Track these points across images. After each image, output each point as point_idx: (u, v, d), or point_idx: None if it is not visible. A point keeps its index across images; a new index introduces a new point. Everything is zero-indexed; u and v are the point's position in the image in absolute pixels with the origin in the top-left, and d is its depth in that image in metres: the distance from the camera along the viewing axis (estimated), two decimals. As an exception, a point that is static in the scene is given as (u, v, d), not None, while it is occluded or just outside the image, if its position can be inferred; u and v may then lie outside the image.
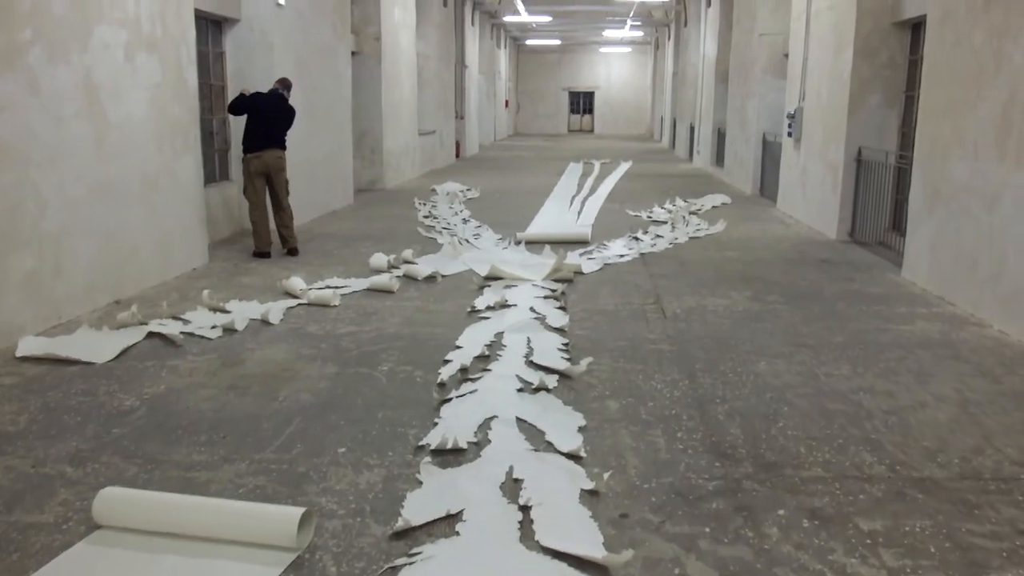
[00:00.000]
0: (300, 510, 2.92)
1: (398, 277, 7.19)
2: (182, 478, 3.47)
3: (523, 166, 20.39)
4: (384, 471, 3.52)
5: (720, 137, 17.84)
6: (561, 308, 6.19)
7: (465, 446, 3.70)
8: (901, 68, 8.91)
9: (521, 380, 4.56)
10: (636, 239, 9.32)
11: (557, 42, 40.49)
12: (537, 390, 4.41)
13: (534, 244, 8.87)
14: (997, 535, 3.02)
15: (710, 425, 4.02)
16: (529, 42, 40.65)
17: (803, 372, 4.82)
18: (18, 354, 4.99)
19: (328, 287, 6.85)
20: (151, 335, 5.49)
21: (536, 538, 2.94)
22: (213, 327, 5.66)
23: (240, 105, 8.16)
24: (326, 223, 10.62)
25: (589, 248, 8.78)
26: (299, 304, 6.34)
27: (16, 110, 5.25)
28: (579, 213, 11.67)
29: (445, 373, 4.70)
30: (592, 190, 14.44)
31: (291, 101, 8.53)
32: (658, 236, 9.51)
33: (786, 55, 12.45)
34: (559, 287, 6.82)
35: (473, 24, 24.76)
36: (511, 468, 3.48)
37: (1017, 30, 5.64)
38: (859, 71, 8.99)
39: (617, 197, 13.54)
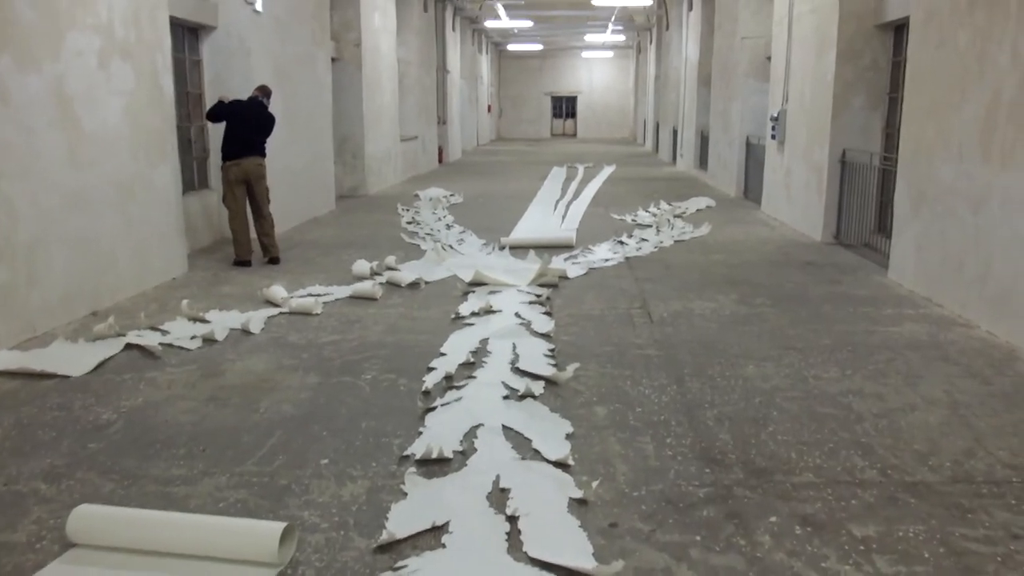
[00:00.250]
0: (281, 525, 2.83)
1: (381, 284, 7.10)
2: (160, 493, 3.38)
3: (506, 171, 20.35)
4: (368, 482, 3.43)
5: (703, 140, 17.86)
6: (546, 313, 6.12)
7: (451, 455, 3.63)
8: (884, 70, 8.91)
9: (507, 387, 4.49)
10: (621, 243, 9.28)
11: (539, 47, 40.51)
12: (523, 397, 4.34)
13: (518, 249, 8.80)
14: (991, 539, 2.98)
15: (699, 431, 3.96)
16: (511, 47, 40.65)
17: (791, 375, 4.77)
18: (-9, 369, 4.88)
19: (310, 295, 6.76)
20: (129, 347, 5.38)
21: (524, 549, 2.86)
22: (192, 338, 5.56)
23: (219, 112, 8.06)
24: (308, 230, 10.52)
25: (574, 252, 8.72)
26: (280, 313, 6.25)
27: (-14, 119, 5.15)
28: (563, 217, 11.62)
29: (429, 381, 4.62)
30: (576, 194, 14.40)
31: (271, 108, 8.44)
32: (643, 240, 9.47)
33: (769, 58, 12.46)
34: (544, 292, 6.75)
35: (454, 29, 24.72)
36: (498, 477, 3.40)
37: (1001, 32, 5.63)
38: (842, 73, 8.99)
39: (601, 201, 13.50)
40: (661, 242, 9.35)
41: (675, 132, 21.96)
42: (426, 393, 4.48)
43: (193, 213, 8.81)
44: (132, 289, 6.84)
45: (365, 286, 6.86)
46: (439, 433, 3.85)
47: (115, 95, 6.54)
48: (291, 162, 10.47)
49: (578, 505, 3.20)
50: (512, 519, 3.07)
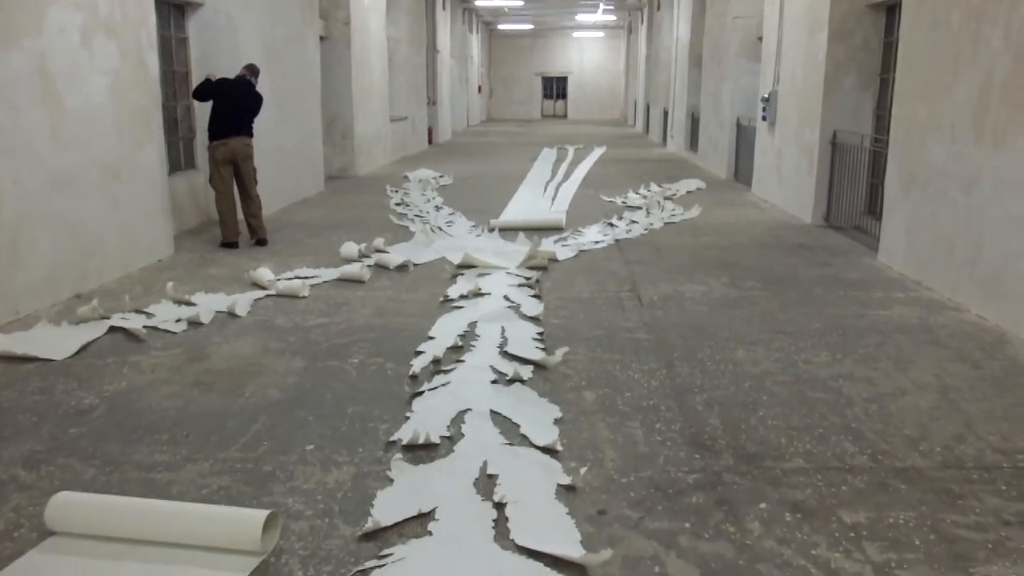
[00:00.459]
0: (265, 512, 2.79)
1: (369, 266, 7.04)
2: (142, 479, 3.33)
3: (497, 152, 20.23)
4: (354, 469, 3.39)
5: (694, 121, 17.77)
6: (536, 296, 6.08)
7: (438, 441, 3.59)
8: (876, 50, 8.85)
9: (495, 371, 4.45)
10: (611, 225, 9.22)
11: (530, 26, 40.24)
12: (512, 381, 4.30)
13: (508, 231, 8.74)
14: (982, 526, 2.96)
15: (689, 416, 3.93)
16: (502, 26, 40.37)
17: (782, 359, 4.75)
18: (-28, 352, 4.81)
19: (297, 277, 6.69)
20: (113, 330, 5.31)
21: (511, 537, 2.83)
22: (177, 320, 5.49)
23: (205, 91, 7.95)
24: (296, 212, 10.43)
25: (564, 235, 8.66)
26: (267, 295, 6.18)
27: (-34, 97, 5.05)
28: (553, 199, 11.55)
29: (417, 365, 4.57)
30: (566, 176, 14.33)
31: (258, 87, 8.33)
32: (633, 222, 9.42)
33: (760, 38, 12.37)
34: (533, 275, 6.70)
35: (444, 8, 24.49)
36: (485, 463, 3.37)
37: (994, 12, 5.58)
38: (834, 53, 8.92)
39: (591, 182, 13.43)
40: (651, 224, 9.31)
41: (666, 113, 21.86)
42: (413, 377, 4.43)
43: (180, 194, 8.71)
44: (117, 271, 6.76)
45: (353, 268, 6.79)
46: (426, 418, 3.81)
47: (99, 73, 6.43)
48: (279, 142, 10.36)
49: (566, 491, 3.17)
50: (499, 506, 3.03)
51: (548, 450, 3.51)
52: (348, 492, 3.19)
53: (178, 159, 8.99)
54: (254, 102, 8.17)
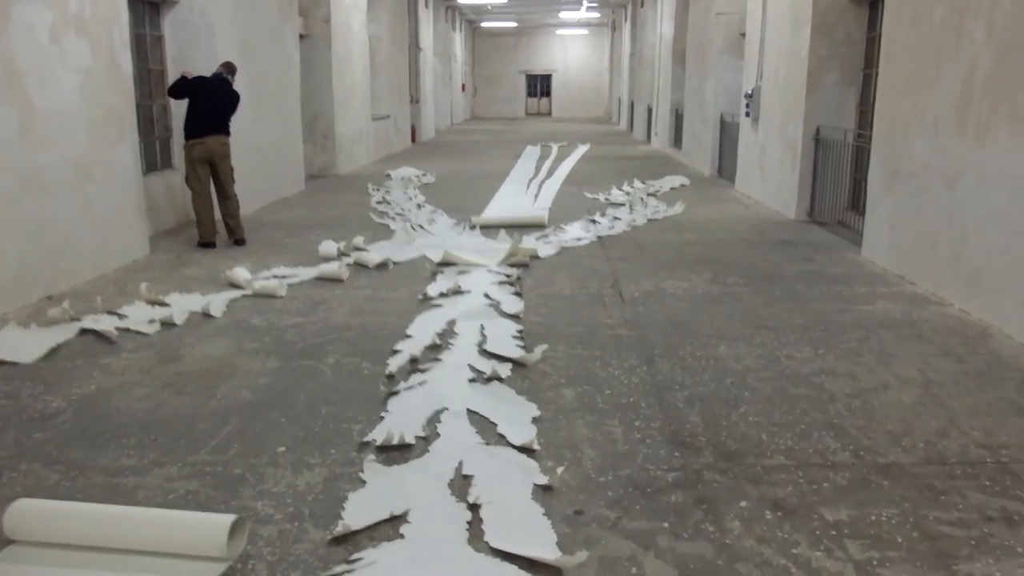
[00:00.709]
0: (231, 517, 2.70)
1: (348, 265, 6.95)
2: (108, 484, 3.23)
3: (480, 150, 20.14)
4: (326, 471, 3.31)
5: (678, 118, 17.74)
6: (516, 294, 6.00)
7: (412, 441, 3.50)
8: (859, 45, 8.82)
9: (473, 369, 4.37)
10: (594, 222, 9.15)
11: (513, 24, 40.15)
12: (490, 380, 4.22)
13: (490, 228, 8.65)
14: (965, 523, 2.90)
15: (669, 413, 3.86)
16: (485, 24, 40.27)
17: (764, 355, 4.69)
18: (-64, 355, 4.69)
19: (274, 277, 6.59)
20: (84, 332, 5.20)
21: (485, 539, 2.75)
22: (150, 322, 5.38)
23: (181, 88, 7.83)
24: (275, 211, 10.31)
25: (546, 232, 8.59)
26: (243, 295, 6.07)
27: (-71, 94, 4.92)
28: (536, 196, 11.48)
29: (394, 364, 4.48)
30: (549, 173, 14.26)
31: (236, 85, 8.22)
32: (616, 219, 9.35)
33: (743, 34, 12.34)
34: (515, 272, 6.62)
35: (427, 6, 24.38)
36: (460, 464, 3.29)
37: (977, 6, 5.54)
38: (816, 49, 8.89)
39: (575, 180, 13.37)
40: (634, 221, 9.24)
41: (650, 110, 21.83)
42: (390, 377, 4.34)
43: (156, 194, 8.58)
44: (90, 272, 6.64)
45: (331, 267, 6.69)
46: (401, 418, 3.73)
47: (70, 71, 6.30)
48: (258, 141, 10.24)
49: (543, 492, 3.10)
50: (474, 507, 2.95)
51: (525, 449, 3.43)
52: (319, 495, 3.11)
53: (154, 159, 8.86)
54: (231, 100, 8.05)
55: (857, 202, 8.29)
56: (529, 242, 7.83)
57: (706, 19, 14.48)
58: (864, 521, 2.91)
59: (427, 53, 24.38)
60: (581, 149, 19.06)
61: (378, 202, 10.84)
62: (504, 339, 4.87)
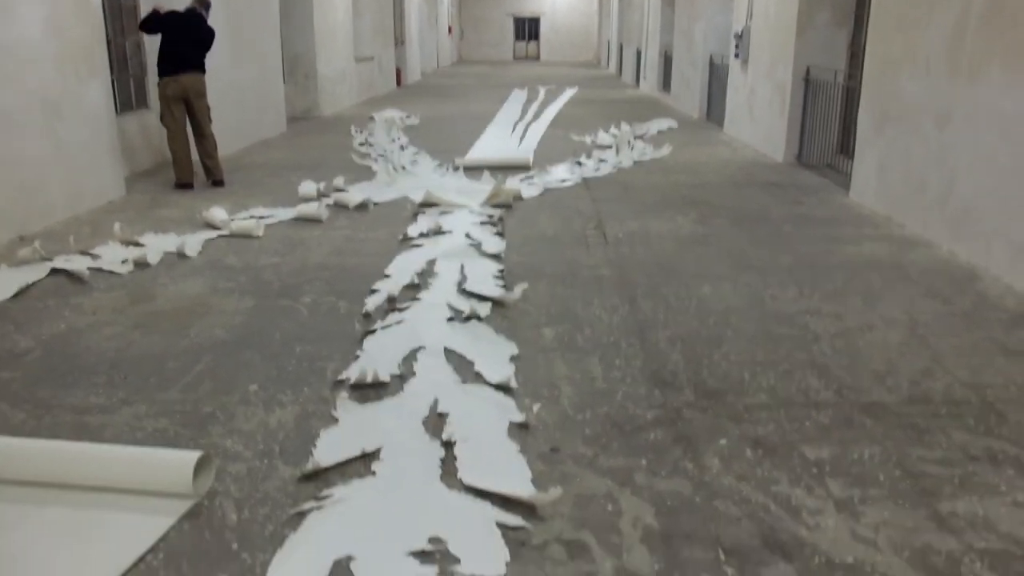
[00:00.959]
0: (196, 454, 2.63)
1: (328, 206, 6.80)
2: (75, 423, 3.15)
3: (466, 93, 19.81)
4: (298, 409, 3.23)
5: (667, 61, 17.46)
6: (498, 234, 5.89)
7: (387, 379, 3.42)
8: (850, -17, 8.62)
9: (452, 309, 4.28)
10: (579, 164, 9.01)
11: (502, -33, 39.35)
12: (468, 319, 4.13)
13: (474, 170, 8.50)
14: (948, 461, 2.86)
15: (650, 352, 3.79)
16: (473, -33, 39.44)
17: (748, 295, 4.61)
18: (-99, 294, 4.56)
19: (252, 217, 6.44)
20: (55, 272, 5.07)
21: (459, 476, 2.69)
22: (123, 262, 5.25)
23: (153, 23, 7.58)
24: (255, 153, 10.10)
25: (530, 174, 8.44)
26: (220, 236, 5.94)
27: None
28: (521, 139, 11.30)
29: (371, 304, 4.39)
30: (536, 116, 14.04)
31: (212, 22, 7.96)
32: (602, 161, 9.20)
33: (733, -27, 12.06)
34: (497, 213, 6.50)
35: (413, -54, 23.79)
36: (436, 402, 3.21)
37: (971, -66, 5.37)
38: (807, -13, 8.68)
39: (561, 123, 13.16)
40: (620, 163, 9.10)
41: (638, 54, 21.48)
42: (366, 316, 4.25)
43: (131, 134, 8.37)
44: (63, 213, 6.47)
45: (310, 207, 6.55)
46: (377, 357, 3.64)
47: (33, 4, 6.05)
48: (235, 80, 9.98)
49: (519, 429, 3.03)
50: (448, 445, 2.89)
51: (502, 387, 3.36)
52: (290, 433, 3.03)
53: (129, 98, 8.61)
54: (205, 36, 7.81)
55: (846, 145, 8.17)
56: (513, 183, 7.69)
57: (697, -42, 14.15)
58: (846, 459, 2.86)
59: (412, -6, 23.86)
60: (568, 93, 18.78)
61: (360, 144, 10.65)
62: (484, 279, 4.77)
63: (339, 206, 6.90)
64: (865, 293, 4.68)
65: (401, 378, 3.46)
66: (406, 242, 5.71)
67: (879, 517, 2.52)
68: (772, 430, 3.06)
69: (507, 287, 4.64)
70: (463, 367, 3.58)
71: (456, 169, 8.61)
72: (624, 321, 4.20)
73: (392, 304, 4.40)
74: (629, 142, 10.54)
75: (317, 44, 13.80)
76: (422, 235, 5.80)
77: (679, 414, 3.18)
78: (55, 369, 3.67)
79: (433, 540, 2.37)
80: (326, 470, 2.74)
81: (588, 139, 11.13)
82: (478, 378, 3.45)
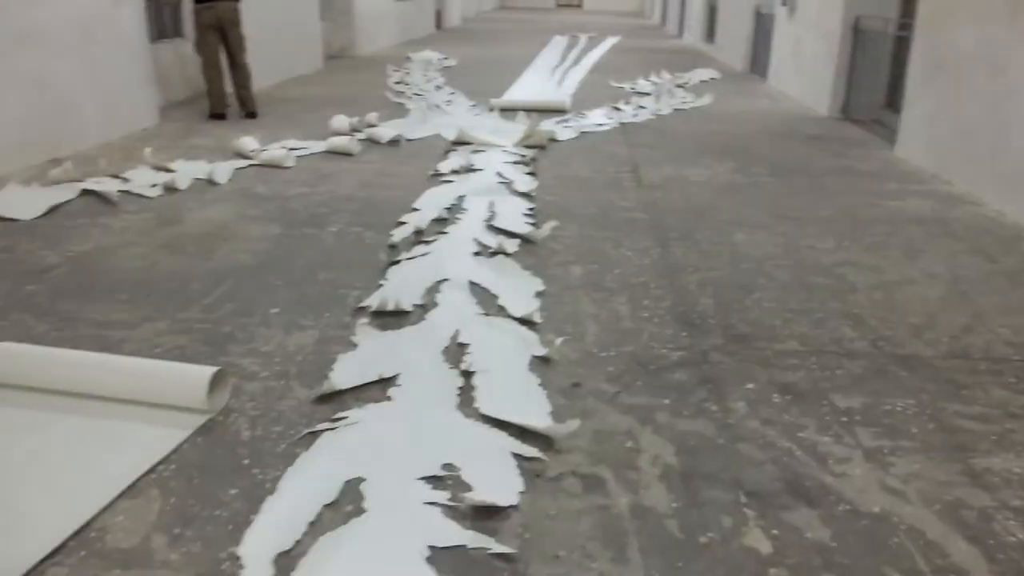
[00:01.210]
0: (213, 369, 2.59)
1: (360, 140, 6.72)
2: (96, 336, 3.13)
3: (506, 38, 19.48)
4: (317, 333, 3.18)
5: (712, 11, 17.00)
6: (530, 174, 5.77)
7: (409, 309, 3.37)
8: (908, -71, 8.24)
9: (479, 243, 4.20)
10: (617, 109, 8.81)
11: (548, -89, 38.43)
12: (495, 254, 4.05)
13: (509, 112, 8.34)
14: (986, 417, 2.74)
15: (680, 294, 3.69)
16: (518, -90, 38.57)
17: (784, 244, 4.48)
18: (-68, 209, 4.58)
19: (283, 148, 6.38)
20: (85, 193, 5.08)
21: (476, 405, 2.63)
22: (153, 186, 5.24)
23: (189, -52, 7.47)
24: (289, 88, 10.01)
25: (566, 117, 8.27)
26: (250, 165, 5.90)
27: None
28: (559, 83, 11.08)
29: (398, 235, 4.32)
30: (575, 62, 13.76)
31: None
32: (640, 107, 8.99)
33: (786, -81, 11.61)
34: (530, 153, 6.38)
35: None
36: (457, 332, 3.15)
37: None
38: (863, -68, 8.32)
39: (601, 70, 12.89)
40: (659, 110, 8.89)
41: (683, 3, 20.95)
42: (392, 247, 4.19)
43: (166, 63, 8.31)
44: (96, 138, 6.46)
45: (342, 141, 6.47)
46: (400, 286, 3.58)
47: (68, -79, 5.98)
48: (270, 13, 9.83)
49: (540, 363, 2.96)
50: (467, 375, 2.83)
51: (525, 321, 3.29)
52: (309, 356, 2.99)
53: (164, 26, 8.54)
54: (242, -36, 7.69)
55: (894, 100, 7.89)
56: (548, 126, 7.54)
57: (749, -97, 13.65)
58: (877, 410, 2.76)
59: (456, -66, 23.40)
60: (610, 41, 18.39)
61: (396, 83, 10.51)
62: (513, 216, 4.68)
63: (371, 141, 6.81)
64: (906, 248, 4.53)
65: (423, 308, 3.41)
66: (436, 178, 5.62)
67: (909, 469, 2.43)
68: (802, 377, 2.96)
69: (536, 226, 4.55)
70: (487, 301, 3.51)
71: (491, 110, 8.46)
72: (654, 264, 4.09)
73: (419, 237, 4.33)
74: (669, 90, 10.29)
75: (356, -21, 13.59)
76: (453, 172, 5.71)
77: (706, 357, 3.09)
78: (80, 285, 3.66)
79: (446, 466, 2.32)
80: (342, 393, 2.70)
81: (627, 86, 10.88)
82: (501, 311, 3.38)
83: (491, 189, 5.21)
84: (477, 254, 4.05)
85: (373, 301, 3.40)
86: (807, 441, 2.55)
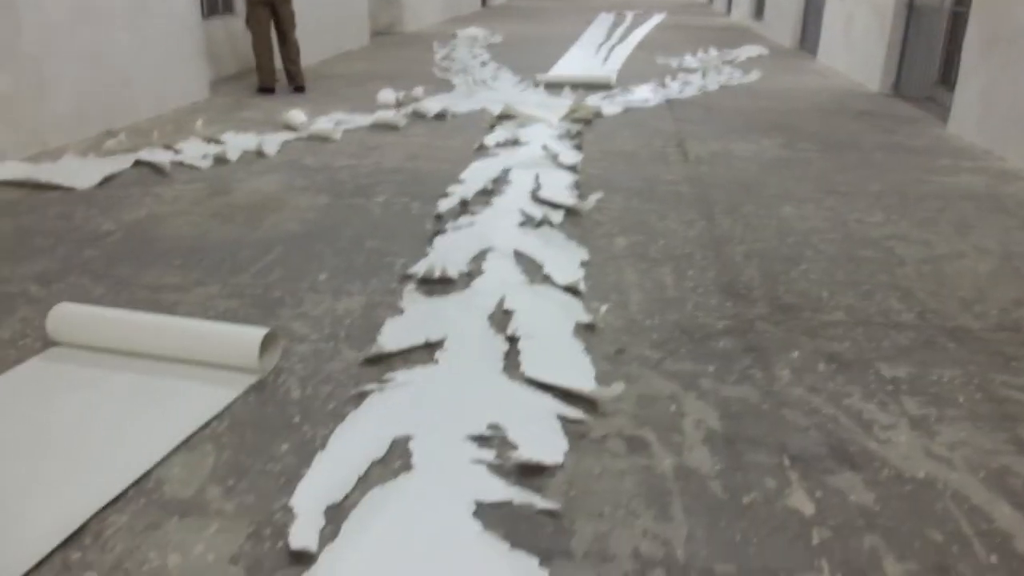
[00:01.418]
0: (264, 330, 2.66)
1: (406, 114, 6.76)
2: (149, 299, 3.23)
3: (552, 15, 19.37)
4: (364, 299, 3.24)
5: (762, -12, 16.71)
6: (576, 147, 5.77)
7: (455, 276, 3.41)
8: (967, -100, 8.02)
9: (524, 214, 4.22)
10: (663, 85, 8.73)
11: None
12: (540, 224, 4.07)
13: (554, 87, 8.33)
14: (1035, 388, 2.71)
15: (725, 265, 3.68)
16: None
17: (832, 218, 4.43)
18: (-5, 178, 4.73)
19: (331, 121, 6.45)
20: (139, 163, 5.20)
21: (521, 369, 2.67)
22: (204, 157, 5.35)
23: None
24: (337, 64, 10.09)
25: (612, 92, 8.23)
26: (298, 137, 5.98)
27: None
28: (605, 60, 11.01)
29: (443, 206, 4.36)
30: (621, 39, 13.65)
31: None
32: (687, 84, 8.91)
33: None
34: (576, 128, 6.37)
35: None
36: (502, 299, 3.19)
37: None
38: (920, -97, 8.11)
39: (647, 47, 12.77)
40: (706, 87, 8.80)
41: (733, -20, 20.60)
42: (438, 217, 4.23)
43: (217, 38, 8.44)
44: (149, 111, 6.60)
45: (388, 114, 6.52)
46: (446, 254, 3.62)
47: None
48: (320, -11, 9.93)
49: (584, 330, 2.99)
50: (512, 340, 2.86)
51: (570, 289, 3.31)
52: (357, 320, 3.05)
53: (215, 2, 8.66)
54: (292, -61, 7.76)
55: (948, 76, 7.72)
56: (594, 101, 7.51)
57: None
58: (924, 380, 2.74)
59: (502, -89, 23.27)
60: (656, 18, 18.20)
61: (442, 58, 10.53)
62: (559, 188, 4.69)
63: (417, 115, 6.85)
64: (957, 223, 4.45)
65: (469, 276, 3.44)
66: (482, 151, 5.65)
67: (955, 437, 2.42)
68: (848, 347, 2.95)
69: (582, 197, 4.55)
70: (532, 269, 3.54)
71: (537, 85, 8.45)
72: (700, 235, 4.08)
73: (464, 207, 4.36)
74: (716, 67, 10.17)
75: (402, -44, 13.62)
76: (499, 145, 5.73)
77: (751, 326, 3.09)
78: (134, 250, 3.76)
79: (492, 427, 2.36)
80: (390, 356, 2.75)
81: (674, 63, 10.78)
82: (546, 280, 3.40)
83: (537, 162, 5.22)
84: (522, 224, 4.08)
85: (420, 268, 3.44)
86: (852, 408, 2.55)
